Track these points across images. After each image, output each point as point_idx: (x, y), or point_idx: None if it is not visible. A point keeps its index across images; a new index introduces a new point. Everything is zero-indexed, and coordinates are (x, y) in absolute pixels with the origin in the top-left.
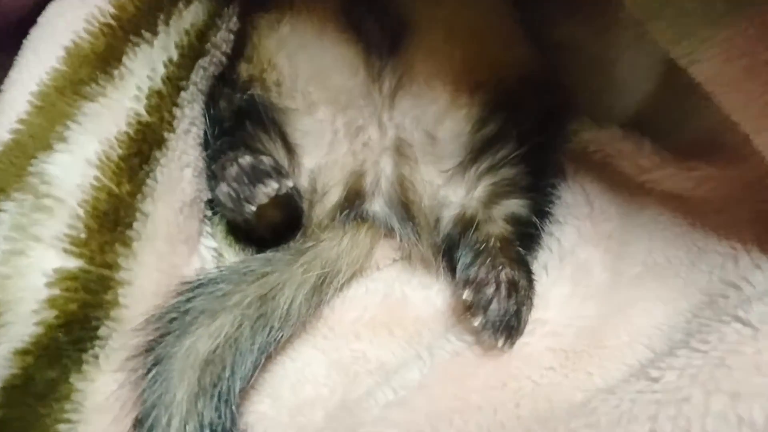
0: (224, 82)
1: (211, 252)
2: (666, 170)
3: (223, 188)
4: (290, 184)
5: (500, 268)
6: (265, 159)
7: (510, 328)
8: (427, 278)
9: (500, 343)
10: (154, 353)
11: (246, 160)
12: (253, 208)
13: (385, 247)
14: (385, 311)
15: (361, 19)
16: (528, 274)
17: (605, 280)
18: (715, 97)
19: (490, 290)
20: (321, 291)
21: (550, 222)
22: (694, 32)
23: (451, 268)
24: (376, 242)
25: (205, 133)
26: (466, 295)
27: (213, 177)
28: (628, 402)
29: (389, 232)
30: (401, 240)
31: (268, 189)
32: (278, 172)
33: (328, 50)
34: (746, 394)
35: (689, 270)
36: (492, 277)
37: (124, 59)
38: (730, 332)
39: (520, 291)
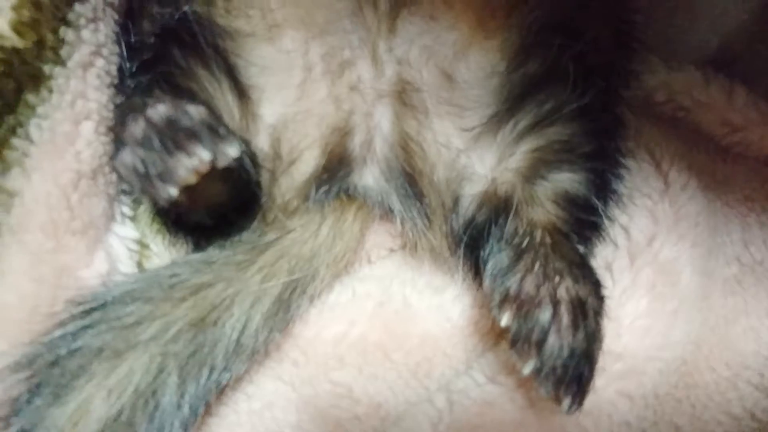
0: None
1: (128, 244)
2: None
3: (125, 157)
4: (234, 152)
5: (557, 279)
6: (193, 110)
7: (579, 378)
8: (438, 278)
9: (565, 404)
10: (14, 425)
11: (158, 111)
12: (174, 193)
13: (379, 232)
14: (380, 326)
15: None
16: (596, 286)
17: (695, 286)
18: None
19: (544, 316)
20: (289, 307)
21: (615, 204)
22: None
23: (475, 267)
24: (368, 230)
25: (121, 69)
26: (506, 320)
27: (114, 139)
28: None
29: (386, 215)
30: (403, 226)
31: (194, 161)
32: (213, 132)
33: None
34: None
35: None
36: (546, 293)
37: None
38: None
39: (590, 316)
